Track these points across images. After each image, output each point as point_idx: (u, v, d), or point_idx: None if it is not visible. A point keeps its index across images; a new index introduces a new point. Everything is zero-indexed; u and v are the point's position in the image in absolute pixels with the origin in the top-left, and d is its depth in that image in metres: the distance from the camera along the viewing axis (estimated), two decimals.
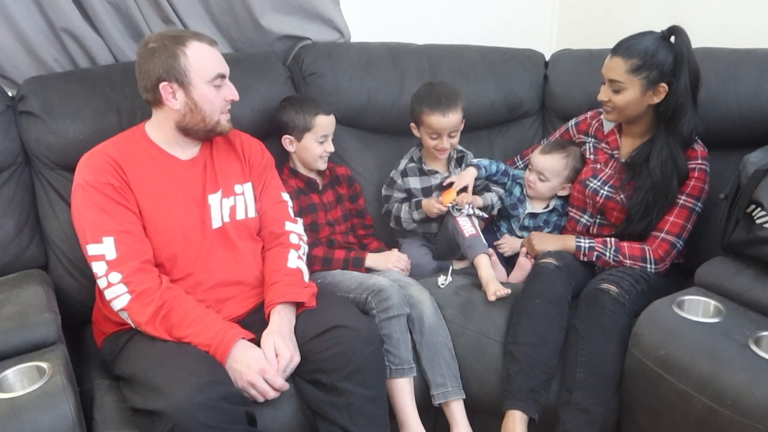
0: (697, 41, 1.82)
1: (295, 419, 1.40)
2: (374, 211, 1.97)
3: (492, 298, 1.59)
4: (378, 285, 1.57)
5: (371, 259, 1.75)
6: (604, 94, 1.64)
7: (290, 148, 1.77)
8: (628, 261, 1.63)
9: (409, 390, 1.52)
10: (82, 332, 1.63)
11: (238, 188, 1.54)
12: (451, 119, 1.76)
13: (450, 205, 1.76)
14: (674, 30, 1.57)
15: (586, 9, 2.51)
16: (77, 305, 1.61)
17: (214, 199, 1.49)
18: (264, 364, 1.32)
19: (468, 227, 1.74)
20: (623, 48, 1.58)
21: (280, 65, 1.95)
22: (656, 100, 1.59)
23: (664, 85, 1.56)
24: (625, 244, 1.65)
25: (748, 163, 1.47)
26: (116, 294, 1.31)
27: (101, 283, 1.33)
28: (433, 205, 1.77)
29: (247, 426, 1.25)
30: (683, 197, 1.61)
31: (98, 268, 1.32)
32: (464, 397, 1.55)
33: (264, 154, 1.64)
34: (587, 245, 1.69)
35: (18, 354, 1.27)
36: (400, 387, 1.51)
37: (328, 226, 1.80)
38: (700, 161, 1.61)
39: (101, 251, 1.32)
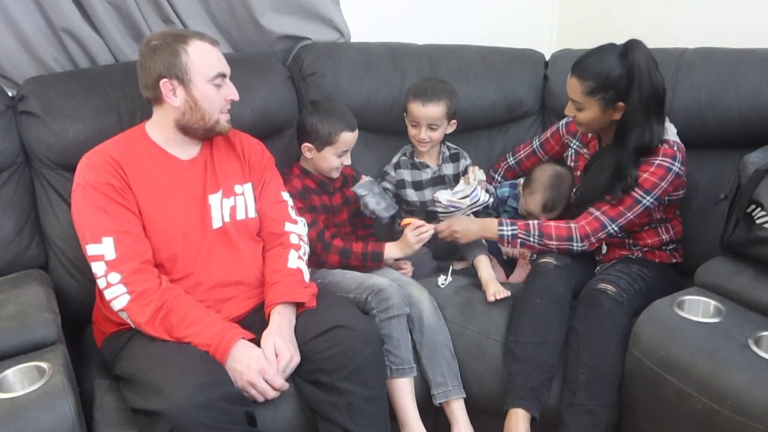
0: (697, 41, 1.83)
1: (295, 419, 1.40)
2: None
3: (491, 299, 1.60)
4: (378, 285, 1.57)
5: (390, 250, 1.70)
6: (568, 110, 1.64)
7: (308, 155, 1.75)
8: (554, 243, 1.62)
9: (409, 390, 1.52)
10: (82, 332, 1.63)
11: (238, 188, 1.54)
12: (429, 110, 1.78)
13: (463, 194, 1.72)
14: (630, 47, 1.53)
15: (586, 9, 2.51)
16: (77, 305, 1.61)
17: (214, 199, 1.49)
18: (264, 363, 1.32)
19: None
20: (579, 69, 1.57)
21: (280, 65, 1.95)
22: (617, 117, 1.57)
23: (622, 104, 1.54)
24: (551, 224, 1.64)
25: (748, 163, 1.47)
26: (115, 294, 1.31)
27: (101, 283, 1.33)
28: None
29: (247, 426, 1.25)
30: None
31: (97, 268, 1.32)
32: (465, 396, 1.55)
33: (264, 155, 1.64)
34: (510, 232, 1.65)
35: (18, 354, 1.27)
36: (400, 387, 1.51)
37: (334, 227, 1.80)
38: (660, 157, 1.56)
39: (100, 251, 1.32)
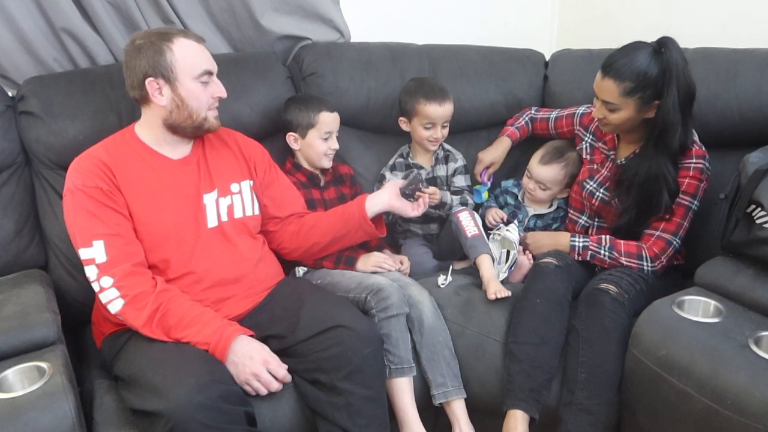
0: (697, 41, 1.83)
1: (295, 419, 1.40)
2: None
3: (492, 297, 1.60)
4: (377, 284, 1.57)
5: (360, 262, 1.72)
6: (599, 111, 1.60)
7: (295, 146, 1.77)
8: (623, 259, 1.62)
9: (409, 390, 1.52)
10: (82, 332, 1.63)
11: (234, 187, 1.54)
12: (446, 109, 1.83)
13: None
14: (664, 44, 1.51)
15: (586, 9, 2.51)
16: (77, 305, 1.61)
17: (209, 199, 1.49)
18: (266, 355, 1.32)
19: (471, 227, 1.74)
20: (614, 69, 1.52)
21: (280, 65, 1.95)
22: (650, 115, 1.56)
23: (657, 101, 1.53)
24: (621, 241, 1.65)
25: (748, 163, 1.46)
26: (110, 298, 1.31)
27: (95, 287, 1.33)
28: None
29: (247, 426, 1.25)
30: (679, 195, 1.60)
31: (90, 272, 1.32)
32: (465, 396, 1.55)
33: (265, 153, 1.65)
34: (581, 244, 1.68)
35: (18, 354, 1.27)
36: (400, 387, 1.51)
37: None
38: (694, 160, 1.59)
39: (91, 255, 1.32)
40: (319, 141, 1.74)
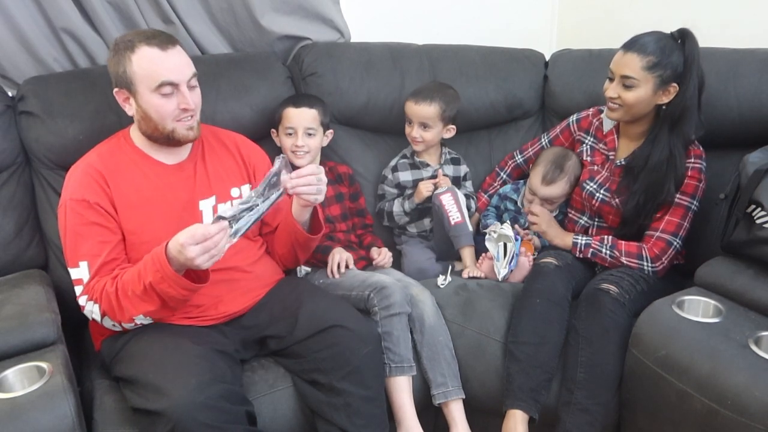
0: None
1: (294, 419, 1.40)
2: (373, 210, 1.98)
3: (465, 275, 1.70)
4: (380, 282, 1.57)
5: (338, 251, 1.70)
6: (613, 90, 1.61)
7: (277, 143, 1.80)
8: (624, 258, 1.63)
9: (407, 388, 1.52)
10: (82, 332, 1.63)
11: (234, 191, 1.52)
12: (421, 109, 1.82)
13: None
14: (684, 33, 1.56)
15: (587, 10, 2.51)
16: (77, 305, 1.60)
17: (206, 205, 1.47)
18: (180, 236, 1.19)
19: (454, 212, 1.74)
20: (638, 44, 1.56)
21: (280, 65, 1.95)
22: (665, 100, 1.58)
23: (675, 85, 1.55)
24: (622, 241, 1.66)
25: (748, 163, 1.47)
26: (91, 310, 1.32)
27: (81, 306, 1.34)
28: (425, 183, 1.82)
29: (247, 426, 1.25)
30: (678, 195, 1.61)
31: (78, 291, 1.33)
32: (464, 396, 1.55)
33: (265, 158, 1.63)
34: (583, 242, 1.70)
35: (18, 354, 1.27)
36: (399, 385, 1.51)
37: (327, 223, 1.79)
38: (693, 160, 1.61)
39: (79, 276, 1.33)
40: (284, 137, 1.75)
